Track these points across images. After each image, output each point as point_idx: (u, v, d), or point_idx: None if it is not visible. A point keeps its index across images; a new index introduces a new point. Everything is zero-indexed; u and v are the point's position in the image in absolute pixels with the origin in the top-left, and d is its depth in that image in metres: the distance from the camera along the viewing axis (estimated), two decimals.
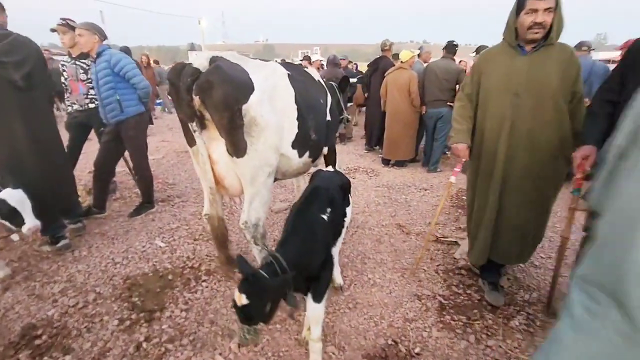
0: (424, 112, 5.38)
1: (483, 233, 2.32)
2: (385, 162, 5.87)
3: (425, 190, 4.74)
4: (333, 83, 3.35)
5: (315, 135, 2.49)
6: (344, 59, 7.39)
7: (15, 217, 2.38)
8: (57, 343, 2.08)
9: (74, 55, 3.82)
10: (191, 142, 2.16)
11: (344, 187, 2.29)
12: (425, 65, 5.67)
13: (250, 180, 2.16)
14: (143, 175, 3.77)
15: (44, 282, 2.65)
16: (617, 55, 6.53)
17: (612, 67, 5.26)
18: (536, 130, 2.09)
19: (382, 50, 5.96)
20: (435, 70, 5.03)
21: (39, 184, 2.71)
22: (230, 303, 2.41)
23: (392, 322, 2.25)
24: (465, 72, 5.13)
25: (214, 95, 1.90)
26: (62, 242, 3.00)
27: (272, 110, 2.09)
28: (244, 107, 1.98)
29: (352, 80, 4.84)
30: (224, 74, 1.91)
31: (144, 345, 2.06)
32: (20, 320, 2.26)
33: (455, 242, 3.26)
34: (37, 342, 2.08)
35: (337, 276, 2.53)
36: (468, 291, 2.55)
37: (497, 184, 2.21)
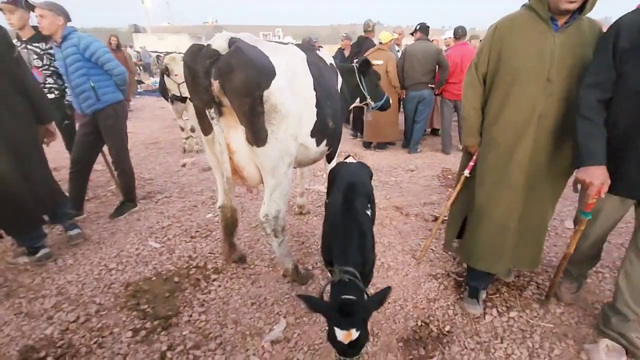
0: (404, 97, 5.44)
1: (499, 239, 2.04)
2: (367, 145, 5.91)
3: (412, 171, 4.85)
4: (354, 65, 3.22)
5: (332, 123, 2.40)
6: (344, 38, 7.16)
7: None
8: None
9: (24, 39, 3.34)
10: (207, 130, 1.99)
11: (371, 177, 2.23)
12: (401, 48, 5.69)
13: (271, 171, 2.04)
14: (124, 170, 3.44)
15: (30, 298, 2.36)
16: None
17: None
18: (565, 125, 1.81)
19: (364, 32, 5.88)
20: (415, 54, 5.07)
21: (14, 186, 2.37)
22: (249, 300, 2.32)
23: (416, 304, 2.29)
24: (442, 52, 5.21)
25: (234, 80, 1.74)
26: (41, 252, 2.68)
27: (293, 97, 1.97)
28: (266, 93, 1.84)
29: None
30: (246, 57, 1.75)
31: (169, 354, 1.91)
32: (14, 343, 1.99)
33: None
34: None
35: None
36: None
37: (519, 187, 1.94)
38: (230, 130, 1.95)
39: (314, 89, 2.23)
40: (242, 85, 1.73)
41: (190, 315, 2.19)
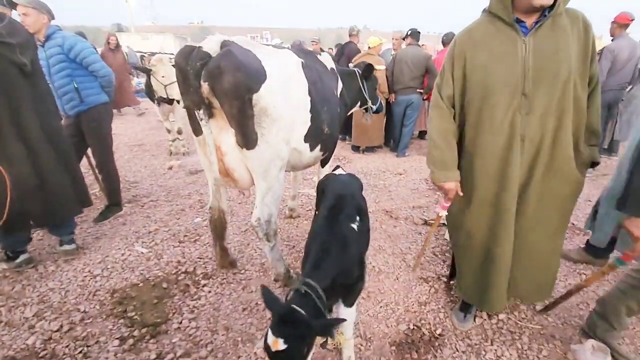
0: (392, 101, 5.50)
1: (497, 278, 1.81)
2: (355, 148, 5.94)
3: (400, 175, 4.90)
4: (356, 70, 3.24)
5: (328, 129, 2.41)
6: (316, 43, 7.16)
7: None
8: None
9: None
10: (197, 131, 1.97)
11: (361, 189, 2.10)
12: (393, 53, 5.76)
13: (262, 174, 2.03)
14: (109, 173, 3.35)
15: (10, 307, 2.26)
16: None
17: None
18: (556, 139, 1.58)
19: (349, 36, 5.92)
20: (405, 59, 5.14)
21: (51, 180, 2.40)
22: (240, 306, 2.29)
23: (407, 307, 2.31)
24: (432, 57, 5.29)
25: (224, 82, 1.73)
26: (22, 257, 2.58)
27: (285, 101, 1.97)
28: (255, 96, 1.83)
29: None
30: (236, 59, 1.74)
31: None
32: None
33: (443, 223, 3.42)
34: None
35: (348, 329, 1.82)
36: None
37: (509, 219, 1.69)
38: (221, 132, 1.93)
39: (309, 94, 2.23)
40: (231, 88, 1.72)
41: (180, 322, 2.14)
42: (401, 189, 4.36)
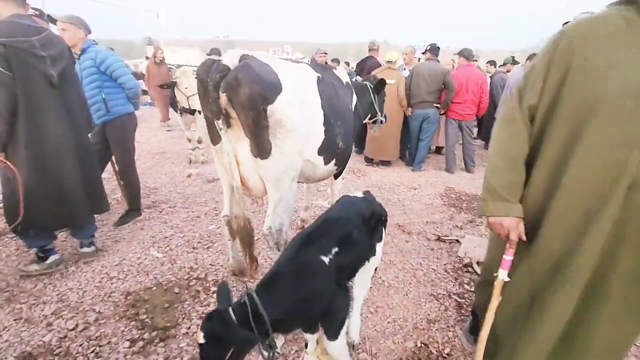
0: (409, 114, 5.51)
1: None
2: (368, 160, 5.95)
3: (415, 189, 4.85)
4: (367, 83, 3.32)
5: (343, 144, 2.45)
6: (323, 54, 7.30)
7: None
8: None
9: None
10: (215, 140, 2.05)
11: (373, 220, 1.81)
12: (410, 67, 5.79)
13: (274, 184, 2.07)
14: (130, 180, 3.50)
15: (31, 304, 2.37)
16: None
17: None
18: None
19: (369, 50, 6.01)
20: (422, 73, 5.16)
21: (59, 183, 2.50)
22: None
23: (416, 324, 2.27)
24: (450, 72, 5.29)
25: (240, 94, 1.81)
26: (51, 258, 2.68)
27: (300, 114, 2.02)
28: (270, 108, 1.89)
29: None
30: (253, 72, 1.82)
31: None
32: (12, 348, 2.00)
33: (456, 240, 3.37)
34: None
35: (354, 331, 2.00)
36: None
37: (572, 292, 1.26)
38: (237, 142, 1.99)
39: (323, 108, 2.28)
40: (247, 99, 1.79)
41: (189, 328, 2.18)
42: (415, 203, 4.32)
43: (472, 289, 2.63)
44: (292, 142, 2.00)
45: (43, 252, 2.66)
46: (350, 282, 1.80)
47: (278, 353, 1.41)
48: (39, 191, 2.40)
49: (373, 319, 2.30)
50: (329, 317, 1.53)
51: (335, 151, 2.45)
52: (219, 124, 1.88)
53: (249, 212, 3.87)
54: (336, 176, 3.24)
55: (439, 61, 5.38)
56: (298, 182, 2.57)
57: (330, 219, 1.74)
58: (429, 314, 2.36)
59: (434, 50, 5.34)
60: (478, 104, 5.31)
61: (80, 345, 2.04)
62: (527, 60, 5.58)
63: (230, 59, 1.84)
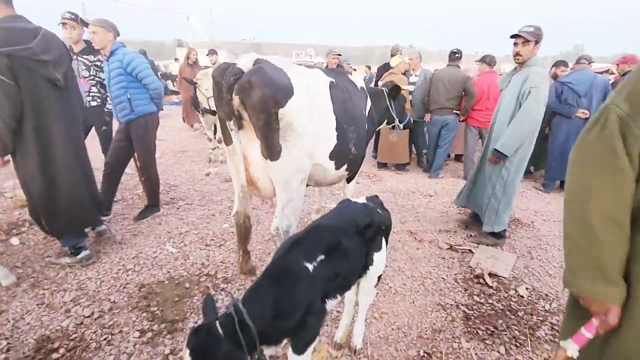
0: (428, 120, 5.45)
1: None
2: (381, 165, 5.92)
3: (430, 196, 4.78)
4: (384, 89, 3.34)
5: (355, 149, 2.48)
6: (335, 56, 7.32)
7: None
8: (77, 357, 1.97)
9: (76, 51, 3.68)
10: (227, 140, 2.12)
11: (371, 229, 1.71)
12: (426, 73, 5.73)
13: (283, 185, 2.12)
14: (150, 177, 3.64)
15: (52, 290, 2.51)
16: (608, 66, 6.79)
17: (609, 78, 5.45)
18: None
19: (391, 56, 5.99)
20: (442, 79, 5.10)
21: (75, 188, 2.59)
22: None
23: (420, 333, 2.24)
24: (471, 79, 5.20)
25: (252, 96, 1.87)
26: (83, 253, 2.82)
27: (311, 118, 2.06)
28: (281, 111, 1.94)
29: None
30: (265, 76, 1.87)
31: (170, 358, 1.98)
32: (32, 331, 2.13)
33: (469, 250, 3.30)
34: (54, 355, 1.96)
35: (357, 336, 2.04)
36: (490, 301, 2.57)
37: None
38: (249, 143, 2.06)
39: (334, 113, 2.31)
40: (259, 102, 1.84)
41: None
42: (429, 211, 4.26)
43: (482, 300, 2.58)
44: (301, 145, 2.04)
45: (75, 249, 2.80)
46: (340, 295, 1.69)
47: None
48: (55, 194, 2.49)
49: (377, 325, 2.29)
50: (300, 329, 1.44)
51: (347, 156, 2.48)
52: (230, 125, 1.95)
53: (262, 212, 3.94)
54: (348, 180, 3.25)
55: (459, 67, 5.29)
56: (308, 185, 2.61)
57: (321, 225, 1.69)
58: (434, 324, 2.33)
59: (452, 55, 5.25)
60: None
61: (94, 332, 2.15)
62: (552, 67, 5.39)
63: (244, 63, 1.91)
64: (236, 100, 1.87)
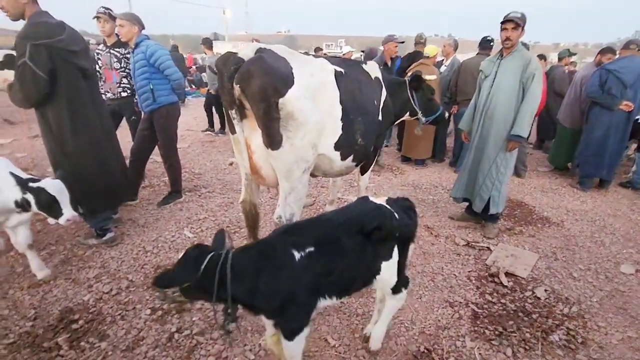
0: (455, 112, 5.23)
1: None
2: (405, 158, 5.77)
3: None
4: (406, 79, 3.25)
5: (362, 140, 2.44)
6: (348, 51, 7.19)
7: (53, 207, 2.24)
8: (93, 329, 2.13)
9: (108, 44, 3.88)
10: (232, 129, 2.16)
11: (378, 233, 1.59)
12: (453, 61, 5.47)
13: (284, 174, 2.13)
14: (172, 165, 3.81)
15: (79, 267, 2.72)
16: None
17: None
18: None
19: (415, 45, 5.79)
20: (471, 69, 4.84)
21: (110, 166, 2.82)
22: None
23: (423, 329, 2.19)
24: None
25: (252, 85, 1.89)
26: (108, 235, 3.02)
27: (314, 108, 2.05)
28: (281, 100, 1.95)
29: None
30: (265, 65, 1.89)
31: (176, 336, 2.08)
32: (58, 303, 2.33)
33: (487, 247, 3.16)
34: (74, 326, 2.14)
35: (375, 339, 1.96)
36: (503, 300, 2.46)
37: None
38: (251, 132, 2.09)
39: (341, 103, 2.28)
40: (258, 91, 1.86)
41: (202, 304, 2.34)
42: (450, 206, 4.10)
43: (494, 300, 2.47)
44: (303, 135, 2.04)
45: (102, 231, 3.00)
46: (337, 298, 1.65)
47: (233, 326, 1.44)
48: (90, 175, 2.69)
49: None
50: (282, 317, 1.48)
51: (353, 147, 2.44)
52: (232, 113, 1.98)
53: (275, 200, 4.00)
54: (362, 172, 3.21)
55: (489, 55, 4.99)
56: (316, 175, 2.61)
57: (322, 218, 1.67)
58: (439, 320, 2.27)
59: (483, 43, 4.97)
60: None
61: (111, 307, 2.31)
62: (597, 54, 4.94)
63: (245, 52, 1.93)
64: (237, 89, 1.89)
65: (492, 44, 5.05)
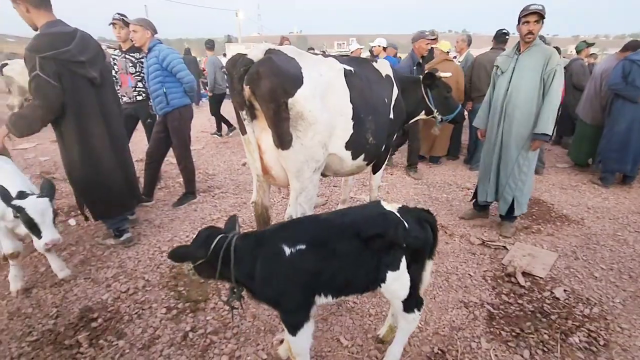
0: (469, 109, 5.13)
1: None
2: (419, 157, 5.69)
3: (468, 189, 4.52)
4: (420, 77, 3.20)
5: (373, 139, 2.42)
6: (393, 48, 7.10)
7: (32, 228, 2.16)
8: (111, 327, 2.18)
9: (124, 49, 3.98)
10: (243, 130, 2.17)
11: (381, 242, 1.54)
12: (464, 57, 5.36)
13: (295, 174, 2.14)
14: (186, 166, 3.88)
15: (98, 267, 2.80)
16: None
17: None
18: None
19: None
20: (485, 65, 4.74)
21: (112, 177, 2.82)
22: None
23: (437, 329, 2.16)
24: None
25: (261, 86, 1.90)
26: (125, 236, 3.10)
27: (324, 107, 2.05)
28: (290, 100, 1.95)
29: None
30: (274, 66, 1.89)
31: (190, 335, 2.12)
32: (78, 302, 2.40)
33: (503, 246, 3.09)
34: (94, 324, 2.20)
35: (389, 356, 1.84)
36: (520, 301, 2.40)
37: None
38: (262, 132, 2.10)
39: (351, 102, 2.27)
40: (268, 92, 1.87)
41: (216, 304, 2.38)
42: (465, 204, 4.03)
43: (510, 300, 2.41)
44: (313, 135, 2.03)
45: (119, 232, 3.07)
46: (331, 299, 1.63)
47: (239, 302, 1.58)
48: (94, 183, 2.73)
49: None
50: (279, 308, 1.58)
51: (364, 146, 2.42)
52: (243, 114, 2.00)
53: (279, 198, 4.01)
54: (374, 171, 3.19)
55: (504, 49, 4.87)
56: (327, 175, 2.61)
57: (324, 218, 1.67)
58: (453, 321, 2.23)
59: (498, 37, 4.85)
60: None
61: (128, 306, 2.36)
62: (623, 49, 4.72)
63: (255, 54, 1.94)
64: (247, 90, 1.91)
65: (507, 37, 4.93)
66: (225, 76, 6.80)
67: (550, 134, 2.96)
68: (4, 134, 2.47)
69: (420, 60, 4.84)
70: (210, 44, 7.80)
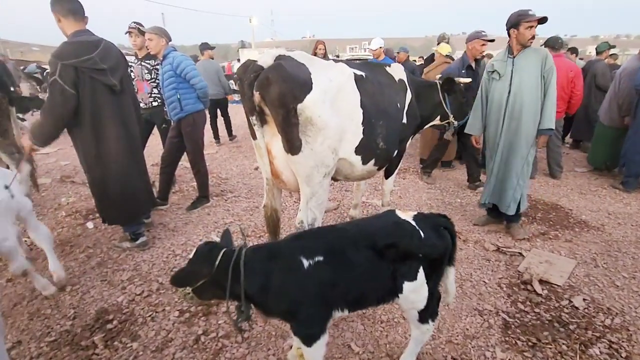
0: None
1: None
2: (422, 161, 5.62)
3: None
4: (437, 81, 3.20)
5: (384, 144, 2.42)
6: (404, 52, 7.08)
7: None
8: (126, 329, 2.23)
9: (140, 57, 4.09)
10: (254, 135, 2.20)
11: (395, 252, 1.51)
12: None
13: (305, 179, 2.15)
14: (199, 171, 3.94)
15: (114, 269, 2.86)
16: None
17: None
18: None
19: (437, 44, 5.66)
20: None
21: (130, 182, 2.89)
22: None
23: (450, 338, 2.12)
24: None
25: (271, 92, 1.92)
26: (140, 239, 3.16)
27: (334, 112, 2.06)
28: (299, 106, 1.97)
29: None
30: (284, 72, 1.91)
31: (202, 338, 2.14)
32: (94, 304, 2.46)
33: (519, 253, 3.01)
34: (109, 326, 2.25)
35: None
36: (536, 310, 2.33)
37: None
38: (272, 137, 2.13)
39: (362, 107, 2.27)
40: (277, 97, 1.89)
41: (228, 307, 2.39)
42: (479, 209, 3.96)
43: (526, 309, 2.35)
44: (322, 140, 2.04)
45: (135, 235, 3.14)
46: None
47: (246, 324, 1.52)
48: (110, 188, 2.80)
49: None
50: (295, 322, 1.51)
51: (374, 151, 2.42)
52: (253, 120, 2.03)
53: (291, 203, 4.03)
54: (387, 175, 3.18)
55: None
56: (337, 180, 2.61)
57: (340, 228, 1.65)
58: (467, 329, 2.18)
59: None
60: (568, 101, 4.58)
61: (142, 308, 2.41)
62: None
63: (265, 60, 1.96)
64: (257, 96, 1.94)
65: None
66: (221, 81, 6.80)
67: (554, 127, 3.10)
68: (29, 144, 2.58)
69: (472, 63, 4.34)
70: (203, 47, 7.12)
